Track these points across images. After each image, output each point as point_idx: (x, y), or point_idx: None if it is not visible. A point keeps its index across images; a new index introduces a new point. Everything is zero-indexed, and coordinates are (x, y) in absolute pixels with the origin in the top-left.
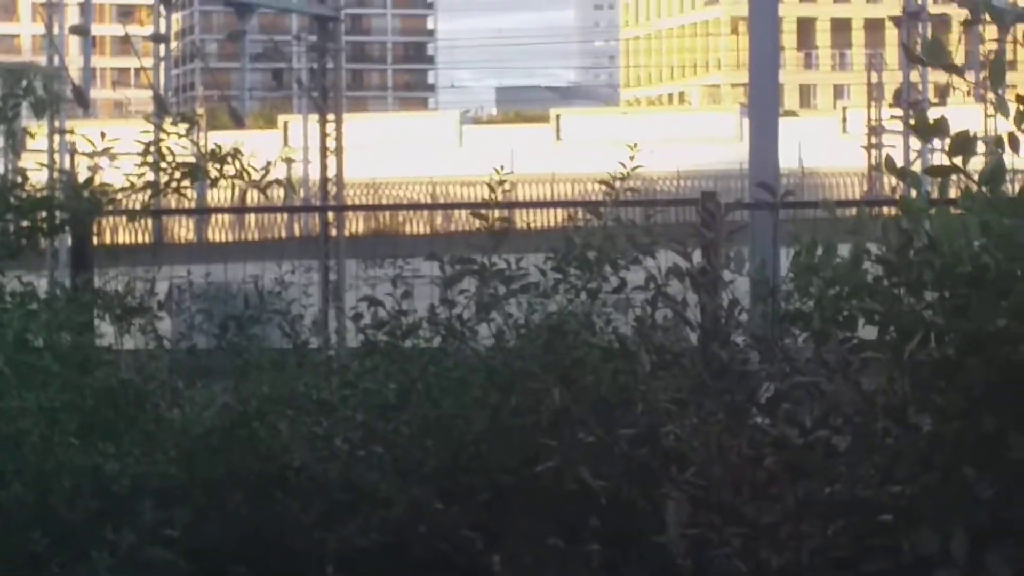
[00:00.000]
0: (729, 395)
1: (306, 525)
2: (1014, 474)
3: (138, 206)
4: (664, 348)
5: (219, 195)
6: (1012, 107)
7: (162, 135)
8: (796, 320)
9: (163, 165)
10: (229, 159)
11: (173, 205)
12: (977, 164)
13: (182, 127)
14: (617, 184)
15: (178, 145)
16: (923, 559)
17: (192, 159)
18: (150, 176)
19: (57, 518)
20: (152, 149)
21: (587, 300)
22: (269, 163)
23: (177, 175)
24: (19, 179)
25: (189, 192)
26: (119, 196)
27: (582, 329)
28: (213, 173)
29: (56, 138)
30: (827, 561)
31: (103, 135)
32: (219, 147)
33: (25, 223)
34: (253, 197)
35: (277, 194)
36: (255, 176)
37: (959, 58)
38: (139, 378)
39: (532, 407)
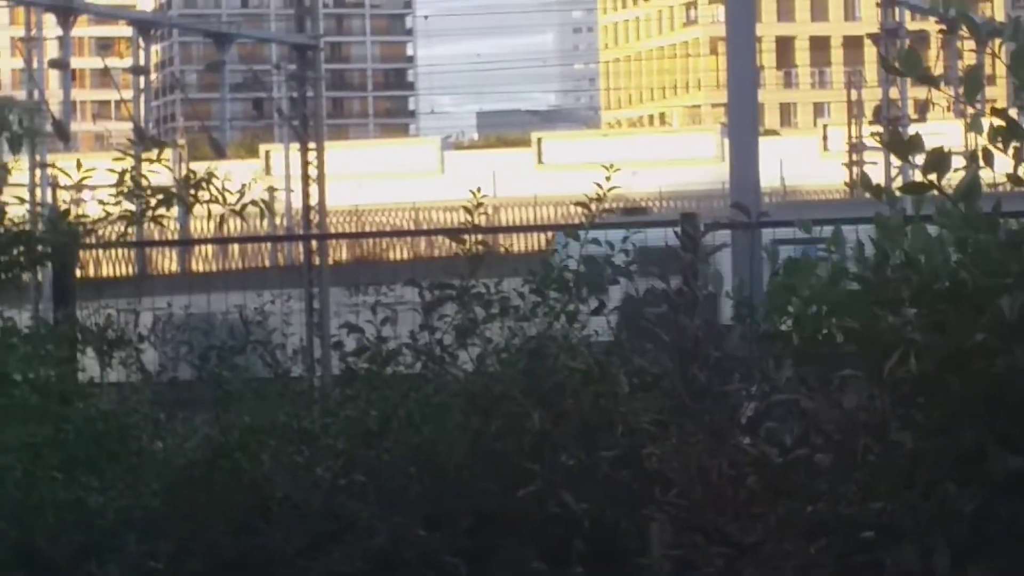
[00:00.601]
0: (709, 416)
1: (290, 555)
2: (994, 488)
3: (117, 237)
4: (644, 370)
5: (202, 225)
6: (986, 123)
7: (135, 164)
8: (775, 339)
9: (138, 193)
10: (204, 184)
11: (156, 235)
12: (957, 179)
13: (155, 153)
14: (594, 206)
15: (152, 172)
16: (906, 575)
17: (168, 187)
18: (128, 205)
19: (41, 555)
20: (127, 178)
21: (566, 323)
22: (244, 185)
23: (153, 203)
24: None
25: (168, 221)
26: (96, 227)
27: (562, 352)
28: (189, 199)
29: (38, 172)
30: None
31: (79, 164)
32: (193, 172)
33: (3, 258)
34: (234, 225)
35: (255, 217)
36: (231, 200)
37: (938, 73)
38: (121, 410)
39: (513, 431)
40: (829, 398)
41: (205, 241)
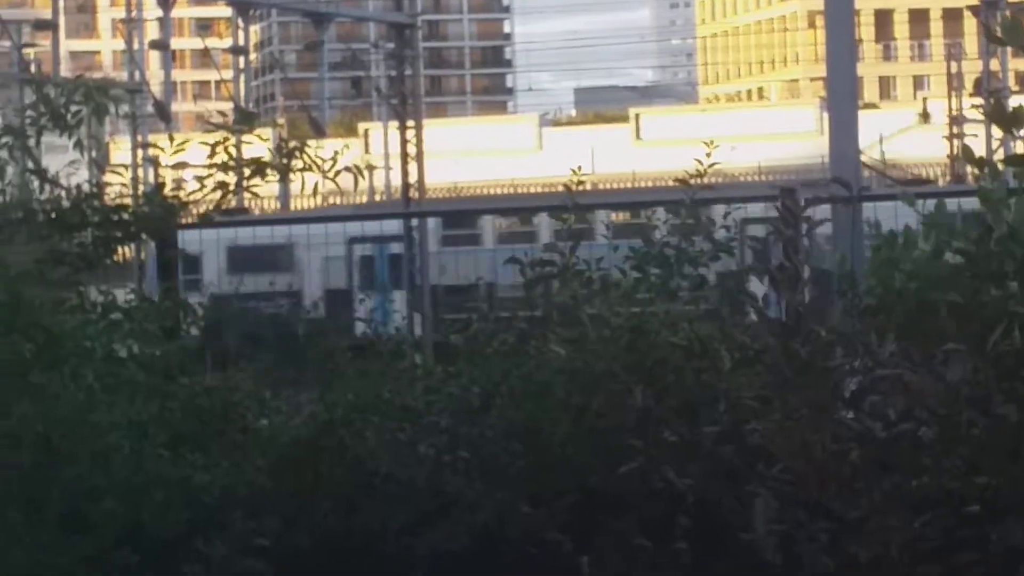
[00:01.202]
0: (812, 391)
1: (394, 531)
2: None
3: (213, 208)
4: (746, 345)
5: (303, 203)
6: None
7: (227, 136)
8: (878, 313)
9: (231, 164)
10: (297, 152)
11: (250, 206)
12: None
13: (244, 126)
14: (694, 181)
15: (248, 144)
16: (1012, 549)
17: (261, 157)
18: (222, 177)
19: (148, 532)
20: (220, 149)
21: (667, 299)
22: (336, 152)
23: (247, 173)
24: (95, 191)
25: (261, 190)
26: (191, 200)
27: (663, 328)
28: (282, 167)
29: (139, 153)
30: (915, 554)
31: (171, 138)
32: (286, 141)
33: (101, 233)
34: (333, 201)
35: (350, 182)
36: (325, 166)
37: None
38: (225, 387)
39: (616, 408)
40: (933, 372)
41: (304, 220)
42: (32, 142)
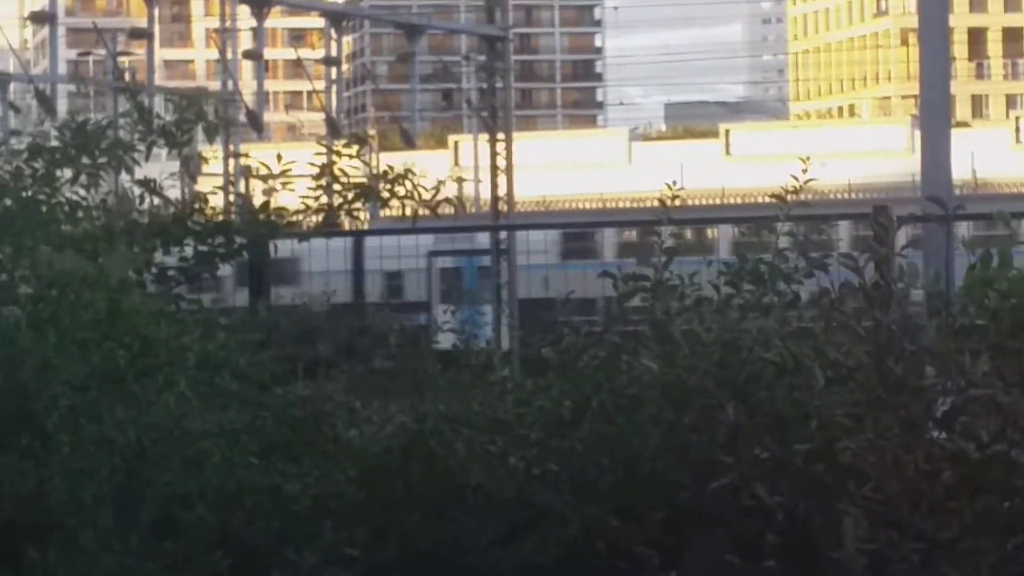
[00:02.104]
0: (905, 409)
1: (483, 544)
2: None
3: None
4: (838, 363)
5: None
6: None
7: (334, 157)
8: (972, 333)
9: (336, 187)
10: (400, 180)
11: (347, 226)
12: None
13: (354, 149)
14: (789, 198)
15: (350, 166)
16: None
17: (364, 180)
18: (324, 199)
19: (239, 539)
20: (326, 171)
21: (761, 315)
22: (440, 182)
23: (350, 196)
24: (197, 204)
25: (361, 214)
26: (294, 219)
27: (755, 344)
28: (384, 194)
29: (231, 162)
30: None
31: (279, 157)
32: (390, 168)
33: (203, 247)
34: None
35: (448, 212)
36: (426, 196)
37: None
38: (317, 397)
39: (707, 424)
40: None
41: (394, 231)
42: (143, 158)
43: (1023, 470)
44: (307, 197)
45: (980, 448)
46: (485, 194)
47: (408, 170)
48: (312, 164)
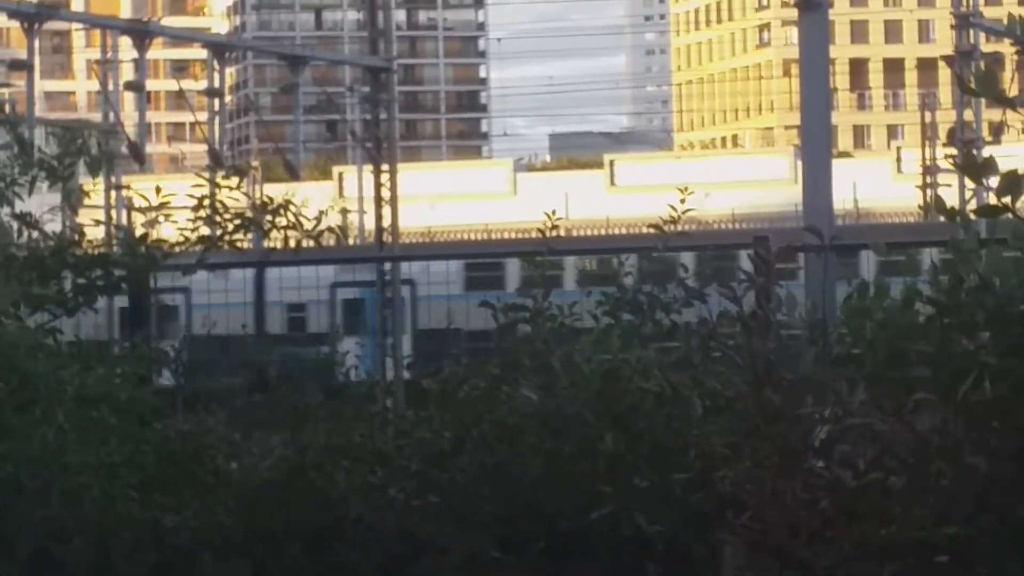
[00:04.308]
0: (783, 439)
1: (364, 575)
2: None
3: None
4: (717, 392)
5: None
6: None
7: (216, 188)
8: (849, 362)
9: (217, 219)
10: (281, 210)
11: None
12: None
13: (234, 180)
14: (668, 228)
15: (231, 198)
16: None
17: (245, 211)
18: (205, 230)
19: (117, 573)
20: (206, 203)
21: (639, 345)
22: (321, 212)
23: (231, 228)
24: (76, 237)
25: (244, 244)
26: (174, 250)
27: (635, 374)
28: (266, 225)
29: (113, 194)
30: None
31: (158, 190)
32: (271, 199)
33: (81, 280)
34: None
35: (330, 242)
36: (308, 225)
37: (1013, 95)
38: (197, 431)
39: (587, 453)
40: (903, 421)
41: (278, 263)
42: (25, 192)
43: (899, 497)
44: (185, 229)
45: (857, 476)
46: (370, 225)
47: (288, 201)
48: (191, 196)
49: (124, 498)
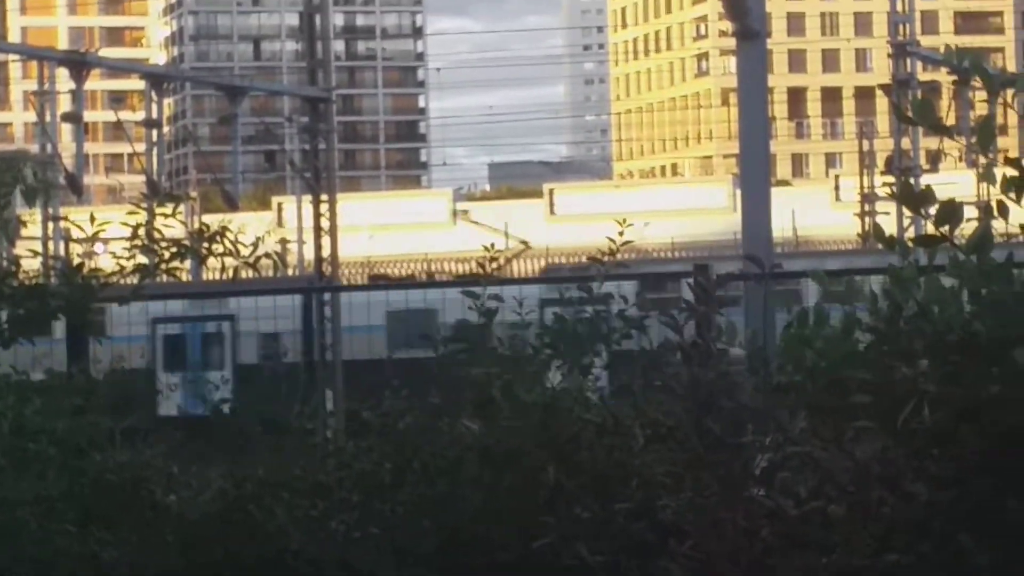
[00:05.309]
0: (724, 467)
1: None
2: (1012, 540)
3: (132, 291)
4: (658, 421)
5: (214, 276)
6: (999, 173)
7: (152, 217)
8: (789, 390)
9: (153, 247)
10: (217, 237)
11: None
12: (971, 228)
13: (169, 207)
14: (607, 259)
15: (167, 226)
16: None
17: (182, 239)
18: (141, 258)
19: None
20: (142, 231)
21: (579, 376)
22: (258, 239)
23: (167, 255)
24: (11, 267)
25: (180, 273)
26: (110, 280)
27: (576, 405)
28: (203, 252)
29: (51, 225)
30: None
31: (92, 218)
32: (207, 225)
33: (18, 311)
34: (247, 275)
35: (267, 270)
36: (244, 252)
37: (950, 124)
38: (135, 463)
39: (528, 484)
40: (843, 450)
41: (214, 294)
42: None
43: (840, 525)
44: (120, 258)
45: (798, 505)
46: (309, 255)
47: (225, 227)
48: (125, 224)
49: (62, 533)
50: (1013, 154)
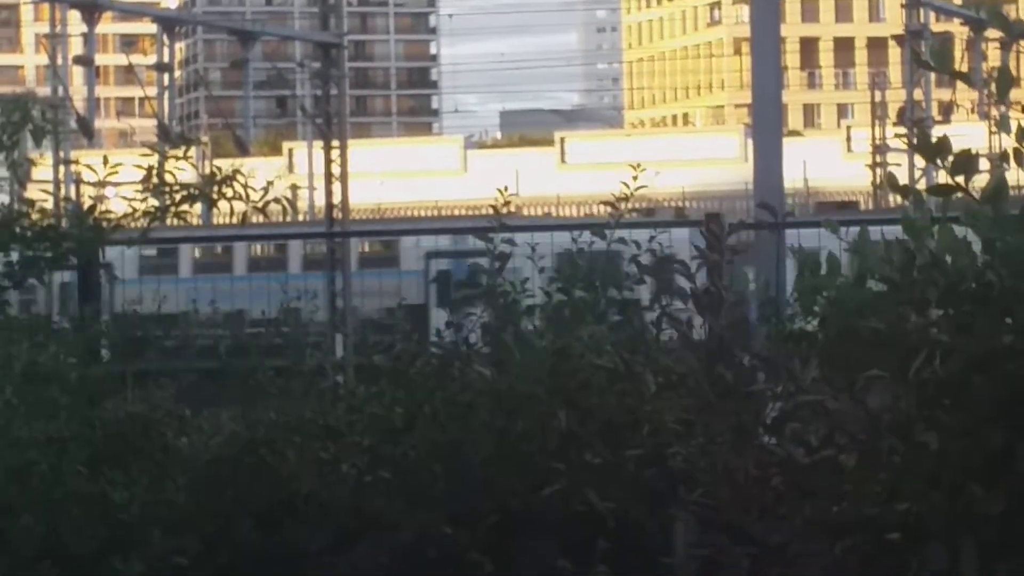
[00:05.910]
0: (735, 415)
1: (315, 551)
2: (1022, 489)
3: (141, 233)
4: (669, 369)
5: (225, 221)
6: (1015, 123)
7: (164, 160)
8: (801, 339)
9: (164, 190)
10: (228, 181)
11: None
12: (982, 180)
13: (182, 150)
14: (621, 205)
15: (179, 169)
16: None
17: (192, 183)
18: (152, 202)
19: (66, 549)
20: (154, 175)
21: (592, 321)
22: (269, 183)
23: (177, 199)
24: (24, 209)
25: (191, 217)
26: (122, 223)
27: (587, 351)
28: (213, 196)
29: (61, 168)
30: None
31: (105, 160)
32: (218, 168)
33: (29, 253)
34: (258, 220)
35: (278, 215)
36: (255, 196)
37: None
38: (146, 407)
39: (539, 430)
40: (854, 399)
41: (228, 239)
42: None
43: (851, 475)
44: (133, 200)
45: (809, 453)
46: (320, 201)
47: (236, 171)
48: (138, 167)
49: (73, 474)
50: None
